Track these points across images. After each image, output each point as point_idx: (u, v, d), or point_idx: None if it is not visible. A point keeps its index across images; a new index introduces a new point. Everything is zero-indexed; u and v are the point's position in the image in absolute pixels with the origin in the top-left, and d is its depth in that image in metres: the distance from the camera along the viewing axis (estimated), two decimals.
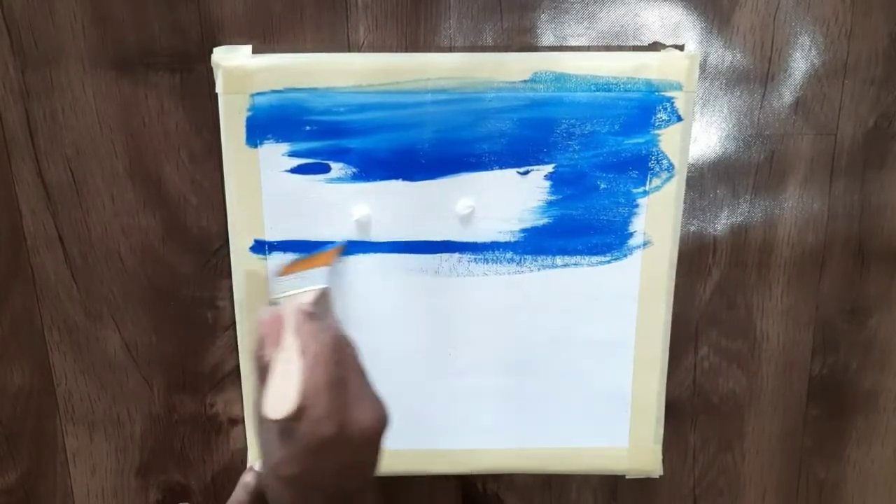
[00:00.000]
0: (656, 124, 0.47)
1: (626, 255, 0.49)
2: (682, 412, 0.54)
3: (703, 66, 0.48)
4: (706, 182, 0.50)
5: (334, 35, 0.47)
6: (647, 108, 0.47)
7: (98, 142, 0.48)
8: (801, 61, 0.49)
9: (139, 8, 0.46)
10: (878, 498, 0.56)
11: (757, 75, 0.49)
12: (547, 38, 0.48)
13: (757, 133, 0.50)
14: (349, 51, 0.47)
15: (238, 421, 0.53)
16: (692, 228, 0.51)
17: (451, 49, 0.48)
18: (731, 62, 0.48)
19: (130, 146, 0.48)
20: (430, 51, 0.48)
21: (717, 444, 0.55)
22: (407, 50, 0.47)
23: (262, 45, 0.47)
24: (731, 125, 0.50)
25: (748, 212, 0.51)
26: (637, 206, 0.48)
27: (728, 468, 0.56)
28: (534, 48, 0.48)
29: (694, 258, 0.51)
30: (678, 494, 0.56)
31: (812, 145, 0.50)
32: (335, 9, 0.47)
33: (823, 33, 0.48)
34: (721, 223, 0.51)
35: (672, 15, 0.48)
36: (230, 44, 0.46)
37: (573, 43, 0.48)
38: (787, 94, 0.49)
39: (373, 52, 0.47)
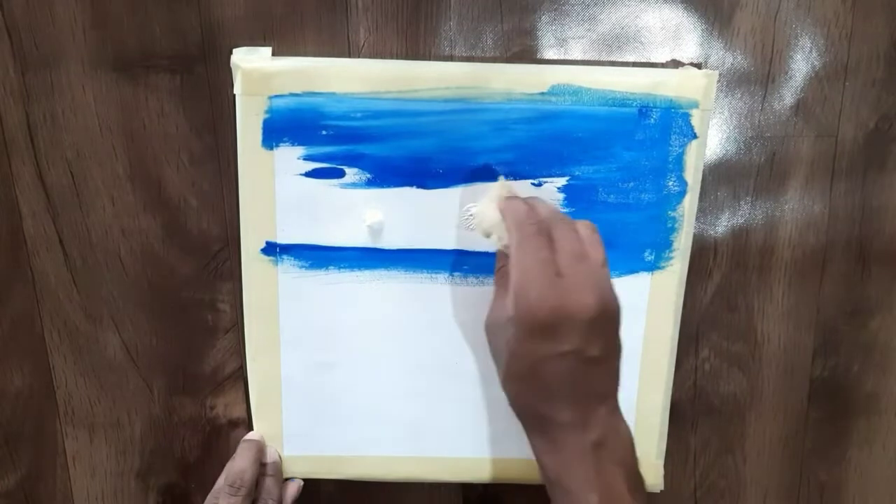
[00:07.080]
0: (671, 141, 0.47)
1: (636, 270, 0.49)
2: (683, 415, 0.54)
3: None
4: (707, 184, 0.50)
5: (335, 37, 0.47)
6: (663, 125, 0.46)
7: (98, 144, 0.48)
8: (801, 63, 0.49)
9: (139, 10, 0.46)
10: (880, 500, 0.56)
11: (757, 77, 0.49)
12: (547, 41, 0.48)
13: (757, 135, 0.50)
14: (349, 53, 0.47)
15: (238, 423, 0.53)
16: (693, 231, 0.51)
17: (451, 51, 0.47)
18: (732, 64, 0.48)
19: (130, 148, 0.48)
20: (430, 53, 0.47)
21: (718, 447, 0.55)
22: (407, 52, 0.47)
23: (263, 46, 0.46)
24: (731, 127, 0.49)
25: (749, 214, 0.51)
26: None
27: (729, 471, 0.55)
28: (534, 50, 0.48)
29: (694, 260, 0.51)
30: (679, 497, 0.56)
31: (813, 147, 0.50)
32: (335, 11, 0.47)
33: (824, 35, 0.48)
34: (722, 225, 0.51)
35: (672, 17, 0.47)
36: (230, 45, 0.46)
37: (574, 45, 0.48)
38: (787, 95, 0.49)
39: (373, 54, 0.47)
